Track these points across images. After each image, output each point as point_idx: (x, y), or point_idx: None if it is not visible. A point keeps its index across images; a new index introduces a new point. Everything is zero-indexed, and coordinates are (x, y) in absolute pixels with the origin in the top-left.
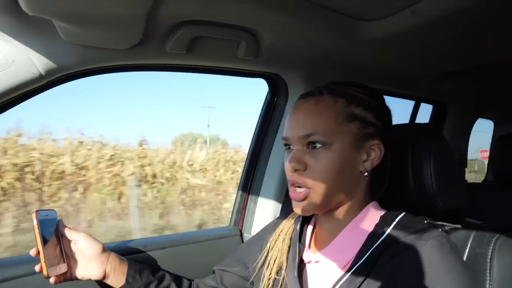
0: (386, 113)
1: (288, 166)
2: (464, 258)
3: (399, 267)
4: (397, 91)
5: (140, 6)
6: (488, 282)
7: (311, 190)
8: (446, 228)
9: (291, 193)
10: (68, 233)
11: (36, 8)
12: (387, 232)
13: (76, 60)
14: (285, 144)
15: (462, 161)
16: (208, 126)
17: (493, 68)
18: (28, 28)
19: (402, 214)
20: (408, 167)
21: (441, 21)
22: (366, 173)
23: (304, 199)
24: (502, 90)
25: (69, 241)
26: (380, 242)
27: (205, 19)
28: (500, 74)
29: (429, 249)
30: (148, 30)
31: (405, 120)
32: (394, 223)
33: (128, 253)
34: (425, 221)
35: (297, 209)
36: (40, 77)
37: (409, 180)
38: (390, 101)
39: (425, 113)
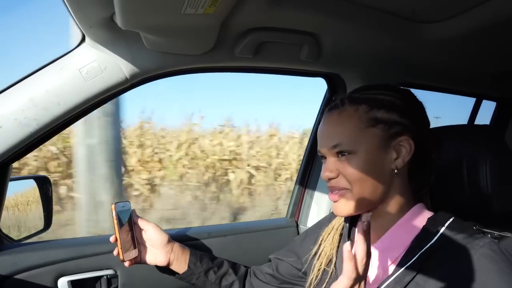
0: (415, 108)
1: (323, 176)
2: None
3: (448, 274)
4: (457, 88)
5: (214, 18)
6: None
7: (346, 191)
8: (496, 234)
9: (329, 196)
10: (140, 222)
11: (129, 24)
12: (436, 236)
13: (156, 64)
14: (321, 156)
15: None
16: None
17: None
18: (119, 40)
19: (451, 219)
20: (463, 168)
21: (504, 23)
22: (396, 170)
23: (339, 200)
24: None
25: (141, 229)
26: (428, 247)
27: (271, 26)
28: None
29: (481, 257)
30: (220, 38)
31: (464, 117)
32: (442, 229)
33: (194, 238)
34: (474, 227)
35: (335, 210)
36: (125, 80)
37: (463, 180)
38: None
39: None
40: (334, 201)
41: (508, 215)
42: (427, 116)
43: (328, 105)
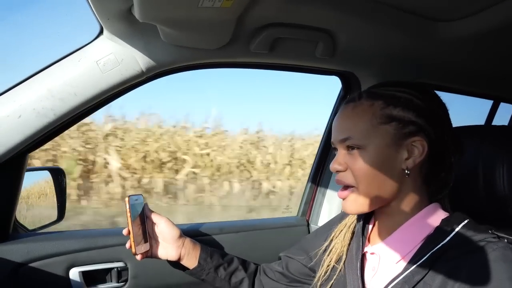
0: (435, 109)
1: (331, 167)
2: None
3: (458, 275)
4: (474, 90)
5: (231, 13)
6: None
7: (353, 189)
8: None
9: (338, 193)
10: (153, 216)
11: (147, 16)
12: (449, 237)
13: (172, 58)
14: (333, 148)
15: None
16: None
17: None
18: (136, 32)
19: (466, 221)
20: (479, 170)
21: None
22: (407, 171)
23: (348, 198)
24: None
25: (153, 223)
26: (440, 246)
27: (287, 22)
28: None
29: (493, 261)
30: (236, 32)
31: (481, 120)
32: (457, 229)
33: (206, 234)
34: (490, 231)
35: (344, 207)
36: (141, 73)
37: (479, 182)
38: (464, 100)
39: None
40: (343, 198)
41: None
42: (448, 119)
43: (342, 103)
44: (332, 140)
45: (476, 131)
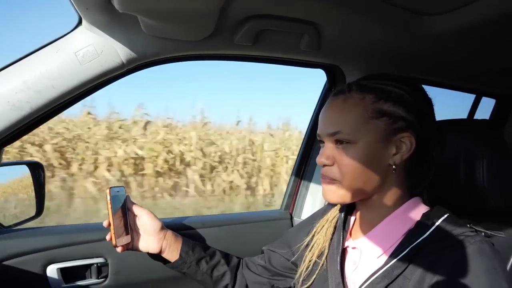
0: (423, 105)
1: (318, 161)
2: (508, 267)
3: (437, 269)
4: (456, 84)
5: (214, 2)
6: None
7: (337, 182)
8: (489, 233)
9: (322, 183)
10: (134, 208)
11: (127, 6)
12: (429, 231)
13: (153, 50)
14: (319, 140)
15: None
16: None
17: None
18: (116, 23)
19: (446, 215)
20: (460, 163)
21: (506, 18)
22: (394, 166)
23: (330, 186)
24: None
25: (134, 215)
26: (419, 241)
27: (271, 13)
28: None
29: (470, 254)
30: (219, 24)
31: (464, 114)
32: (436, 223)
33: (189, 228)
34: (468, 225)
35: (325, 194)
36: (122, 65)
37: (460, 175)
38: (448, 94)
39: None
40: (326, 190)
41: (503, 211)
42: (433, 114)
43: (327, 96)
44: (318, 132)
45: (458, 125)
